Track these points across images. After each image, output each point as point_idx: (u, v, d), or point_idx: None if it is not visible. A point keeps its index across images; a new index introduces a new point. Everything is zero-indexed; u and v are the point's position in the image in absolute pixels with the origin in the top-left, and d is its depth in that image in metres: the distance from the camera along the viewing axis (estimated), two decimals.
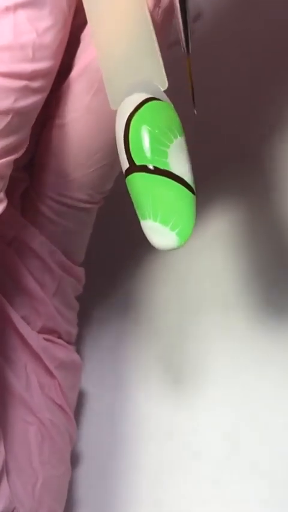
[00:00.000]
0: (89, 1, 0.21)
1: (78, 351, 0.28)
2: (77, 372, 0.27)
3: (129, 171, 0.20)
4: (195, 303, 0.30)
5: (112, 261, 0.31)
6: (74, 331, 0.27)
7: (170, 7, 0.22)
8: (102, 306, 0.31)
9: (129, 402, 0.30)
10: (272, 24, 0.30)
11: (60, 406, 0.26)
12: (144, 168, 0.19)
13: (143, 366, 0.30)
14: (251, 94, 0.31)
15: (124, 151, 0.20)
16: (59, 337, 0.26)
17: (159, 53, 0.21)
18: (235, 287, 0.30)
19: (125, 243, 0.31)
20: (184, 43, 0.21)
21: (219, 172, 0.30)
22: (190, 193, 0.20)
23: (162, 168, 0.19)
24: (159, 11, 0.22)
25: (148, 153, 0.19)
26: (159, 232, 0.20)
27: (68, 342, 0.27)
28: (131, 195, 0.20)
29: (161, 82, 0.21)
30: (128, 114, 0.20)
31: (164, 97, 0.20)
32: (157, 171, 0.19)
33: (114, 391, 0.30)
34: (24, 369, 0.25)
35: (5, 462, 0.23)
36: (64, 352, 0.26)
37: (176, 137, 0.20)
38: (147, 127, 0.19)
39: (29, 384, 0.25)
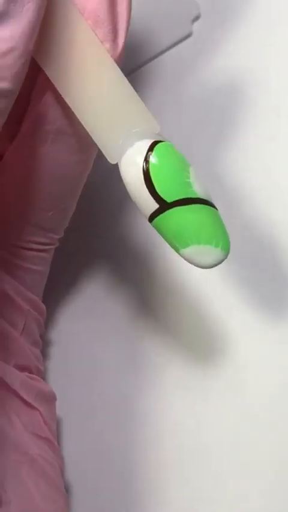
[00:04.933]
0: (55, 74, 0.22)
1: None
2: (54, 402, 0.27)
3: (161, 211, 0.22)
4: None
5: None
6: (42, 368, 0.27)
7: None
8: None
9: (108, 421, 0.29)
10: None
11: (46, 438, 0.25)
12: (177, 203, 0.21)
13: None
14: None
15: (150, 196, 0.21)
16: (31, 373, 0.26)
17: (138, 97, 0.22)
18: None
19: None
20: None
21: None
22: (215, 209, 0.22)
23: (193, 197, 0.21)
24: (118, 55, 0.22)
25: (178, 189, 0.21)
26: (206, 253, 0.22)
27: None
28: (163, 232, 0.22)
29: (152, 125, 0.22)
30: (141, 162, 0.21)
31: (161, 137, 0.22)
32: (189, 201, 0.21)
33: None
34: (4, 409, 0.24)
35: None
36: (39, 383, 0.26)
37: (189, 167, 0.22)
38: (168, 167, 0.21)
39: (12, 423, 0.24)
